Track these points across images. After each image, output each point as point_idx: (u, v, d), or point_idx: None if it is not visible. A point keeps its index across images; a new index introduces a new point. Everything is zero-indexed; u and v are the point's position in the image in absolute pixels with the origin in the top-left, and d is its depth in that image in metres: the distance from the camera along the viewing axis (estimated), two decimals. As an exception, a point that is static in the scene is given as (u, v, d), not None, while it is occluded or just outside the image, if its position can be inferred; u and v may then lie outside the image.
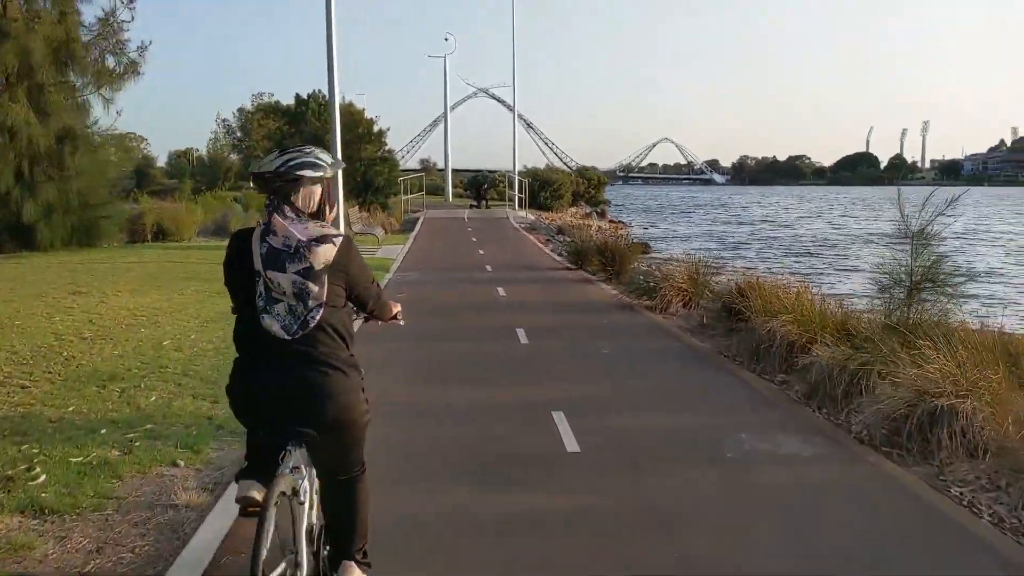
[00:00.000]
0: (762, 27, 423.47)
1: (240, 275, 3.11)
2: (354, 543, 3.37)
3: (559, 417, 6.66)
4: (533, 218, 35.07)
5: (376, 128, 42.32)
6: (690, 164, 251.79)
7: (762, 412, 7.22)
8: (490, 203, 41.77)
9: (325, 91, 44.95)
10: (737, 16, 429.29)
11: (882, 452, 6.05)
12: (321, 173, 3.14)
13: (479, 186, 43.98)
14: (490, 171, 75.47)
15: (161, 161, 75.88)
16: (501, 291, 14.64)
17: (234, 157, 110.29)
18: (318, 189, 3.18)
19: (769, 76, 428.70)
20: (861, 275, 23.79)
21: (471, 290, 15.13)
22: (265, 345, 3.05)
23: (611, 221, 47.57)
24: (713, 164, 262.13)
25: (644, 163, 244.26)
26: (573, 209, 49.32)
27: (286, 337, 3.03)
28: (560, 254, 20.79)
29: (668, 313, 12.42)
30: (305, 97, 48.59)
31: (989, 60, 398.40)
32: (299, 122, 46.85)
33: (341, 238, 3.15)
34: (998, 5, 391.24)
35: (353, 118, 42.00)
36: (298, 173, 3.09)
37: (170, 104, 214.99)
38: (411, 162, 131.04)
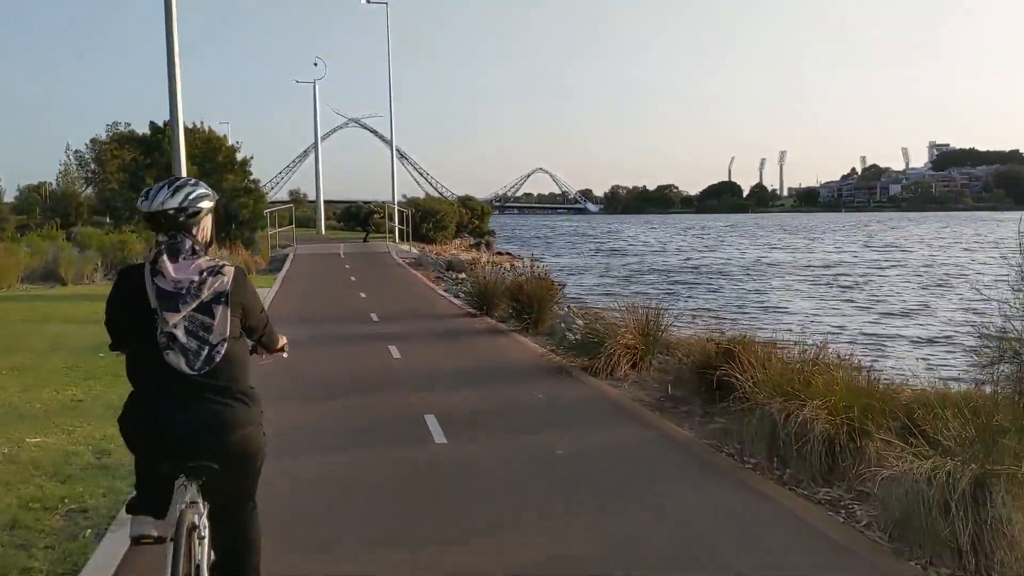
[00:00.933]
0: (630, 64, 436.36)
1: (136, 314, 3.06)
2: None
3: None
4: (417, 252, 31.96)
5: (239, 156, 38.38)
6: (564, 194, 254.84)
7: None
8: (369, 236, 38.37)
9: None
10: (606, 52, 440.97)
11: None
12: (212, 203, 3.21)
13: (367, 217, 40.95)
14: (365, 202, 72.12)
15: (9, 196, 68.92)
16: (395, 351, 11.43)
17: (89, 191, 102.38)
18: (210, 220, 3.24)
19: (637, 107, 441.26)
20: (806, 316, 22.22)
21: (355, 352, 11.72)
22: (166, 379, 3.02)
23: (498, 253, 44.99)
24: (586, 193, 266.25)
25: (519, 193, 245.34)
26: (457, 241, 46.48)
27: (190, 372, 3.01)
28: (457, 296, 17.87)
29: (615, 378, 9.56)
30: (161, 125, 44.02)
31: (840, 92, 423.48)
32: (154, 151, 42.30)
33: (233, 268, 3.16)
34: (844, 42, 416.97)
35: (212, 145, 37.98)
36: (199, 206, 3.13)
37: (13, 135, 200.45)
38: (281, 194, 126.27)
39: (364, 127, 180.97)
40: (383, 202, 70.80)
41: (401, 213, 38.36)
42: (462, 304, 16.37)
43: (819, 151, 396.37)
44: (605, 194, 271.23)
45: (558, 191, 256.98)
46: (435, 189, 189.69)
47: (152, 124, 43.92)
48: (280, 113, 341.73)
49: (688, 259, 45.29)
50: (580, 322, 12.04)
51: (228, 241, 35.55)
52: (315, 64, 54.99)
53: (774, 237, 72.59)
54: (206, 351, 3.02)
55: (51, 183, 76.03)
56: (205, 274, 3.04)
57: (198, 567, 3.03)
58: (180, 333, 2.99)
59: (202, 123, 38.98)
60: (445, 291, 19.41)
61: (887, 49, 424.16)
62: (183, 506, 2.99)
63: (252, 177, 38.86)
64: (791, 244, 62.33)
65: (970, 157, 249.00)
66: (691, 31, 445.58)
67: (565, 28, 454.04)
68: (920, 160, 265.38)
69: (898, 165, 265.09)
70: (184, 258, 3.05)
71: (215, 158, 37.18)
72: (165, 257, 3.03)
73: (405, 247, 34.19)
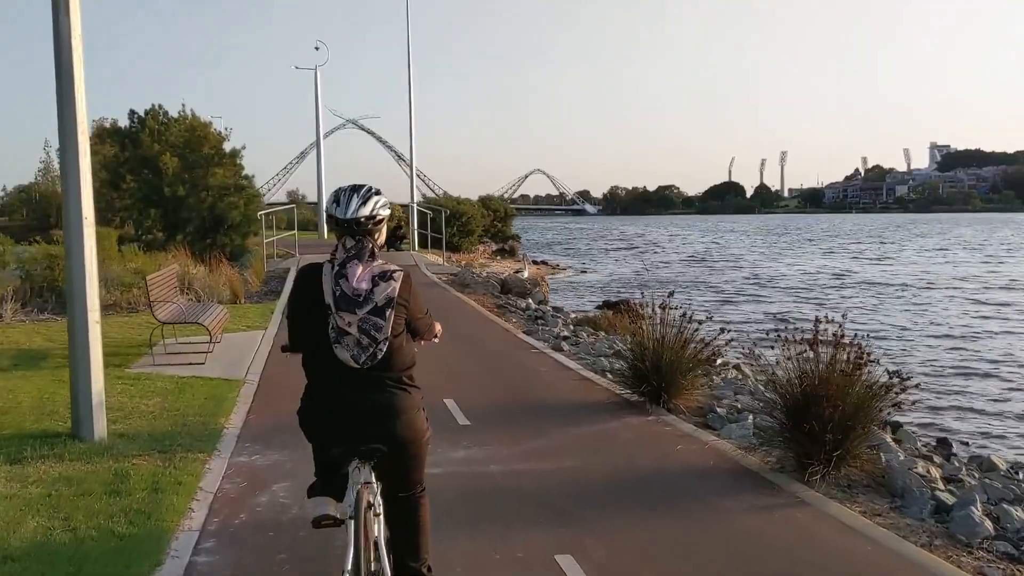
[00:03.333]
0: (626, 64, 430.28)
1: (311, 308, 3.34)
2: (419, 558, 3.57)
3: None
4: (451, 265, 25.48)
5: (228, 146, 31.83)
6: (562, 195, 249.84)
7: None
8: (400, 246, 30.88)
9: (167, 105, 34.46)
10: (602, 53, 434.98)
11: None
12: (390, 209, 3.51)
13: (395, 231, 31.99)
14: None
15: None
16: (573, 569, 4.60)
17: None
18: (386, 225, 3.50)
19: (634, 108, 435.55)
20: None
21: None
22: (337, 371, 3.32)
23: (535, 262, 38.62)
24: (584, 195, 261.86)
25: (516, 194, 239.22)
26: (480, 247, 40.11)
27: (356, 366, 3.30)
28: (559, 348, 11.57)
29: None
30: (142, 114, 37.24)
31: (840, 92, 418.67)
32: (133, 143, 35.65)
33: (402, 274, 3.42)
34: (843, 42, 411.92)
35: (196, 134, 31.52)
36: (384, 213, 3.43)
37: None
38: (278, 195, 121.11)
39: (361, 128, 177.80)
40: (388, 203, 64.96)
41: (422, 215, 31.83)
42: (587, 372, 10.00)
43: (819, 152, 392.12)
44: (604, 195, 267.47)
45: (555, 192, 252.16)
46: (432, 191, 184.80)
47: (131, 113, 37.09)
48: (279, 114, 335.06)
49: (768, 271, 37.96)
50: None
51: (211, 250, 29.08)
52: (316, 48, 48.16)
53: (832, 243, 64.45)
54: (371, 348, 3.29)
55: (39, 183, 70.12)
56: (379, 279, 3.31)
57: (375, 542, 3.28)
58: (354, 331, 3.26)
59: (184, 107, 32.36)
60: (530, 335, 12.91)
61: (887, 50, 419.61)
62: (359, 486, 3.24)
63: (244, 172, 32.28)
64: (864, 252, 54.26)
65: (975, 158, 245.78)
66: (689, 31, 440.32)
67: (562, 28, 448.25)
68: (921, 161, 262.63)
69: (900, 166, 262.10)
70: (366, 261, 3.34)
71: (199, 148, 30.68)
72: (356, 261, 3.32)
73: (432, 257, 27.70)
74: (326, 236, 47.17)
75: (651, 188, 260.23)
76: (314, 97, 48.76)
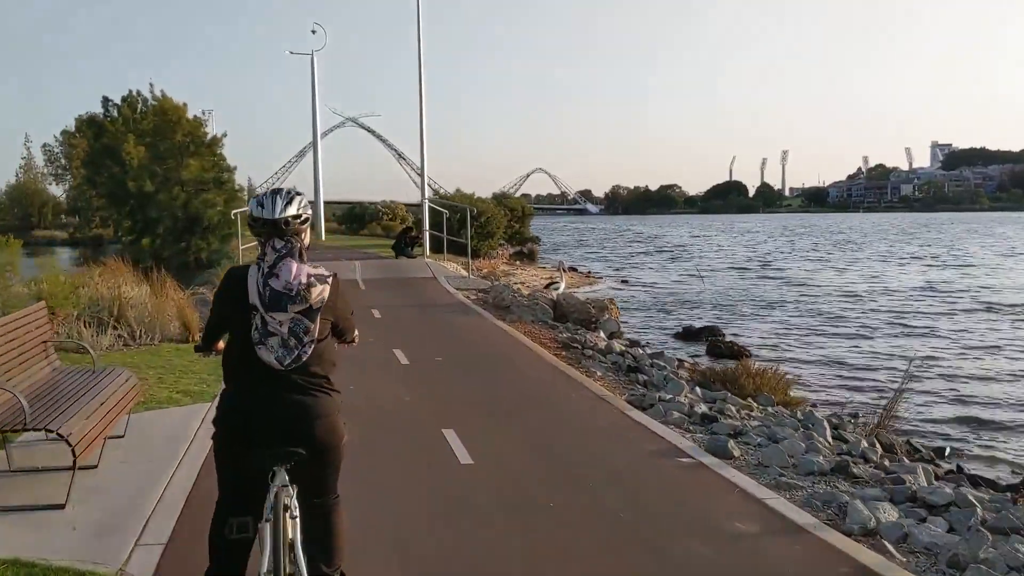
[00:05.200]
0: (628, 64, 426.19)
1: (236, 309, 3.27)
2: (333, 564, 3.50)
3: None
4: (478, 277, 20.60)
5: (207, 134, 26.91)
6: (564, 194, 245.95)
7: None
8: (411, 251, 25.46)
9: (146, 91, 29.40)
10: (604, 52, 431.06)
11: None
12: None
13: (403, 234, 26.55)
14: (371, 202, 60.62)
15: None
16: None
17: (57, 190, 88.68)
18: (309, 230, 3.46)
19: (635, 107, 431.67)
20: None
21: None
22: (258, 373, 3.24)
23: (570, 269, 33.71)
24: (586, 194, 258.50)
25: (518, 193, 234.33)
26: (498, 251, 35.30)
27: (279, 368, 3.23)
28: (780, 480, 6.07)
29: None
30: (119, 101, 32.14)
31: (839, 91, 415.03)
32: (106, 131, 30.65)
33: (332, 277, 3.36)
34: (844, 42, 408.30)
35: (168, 118, 26.62)
36: (309, 212, 3.39)
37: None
38: None
39: (361, 126, 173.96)
40: (390, 202, 59.76)
41: (435, 215, 26.95)
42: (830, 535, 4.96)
43: (819, 150, 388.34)
44: (606, 194, 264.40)
45: (557, 191, 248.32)
46: (434, 192, 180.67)
47: (105, 100, 31.93)
48: (277, 112, 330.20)
49: (838, 282, 31.26)
50: None
51: (184, 256, 24.12)
52: (313, 32, 43.32)
53: (877, 247, 57.15)
54: (296, 349, 3.22)
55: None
56: (313, 279, 3.25)
57: (292, 544, 3.18)
58: (284, 331, 3.21)
59: (151, 86, 27.37)
60: (646, 414, 7.76)
61: (886, 49, 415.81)
62: (276, 488, 3.19)
63: (225, 163, 27.36)
64: (924, 256, 47.03)
65: (980, 157, 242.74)
66: (691, 32, 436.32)
67: (563, 28, 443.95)
68: (922, 160, 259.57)
69: (901, 165, 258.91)
70: (300, 261, 3.29)
71: (171, 135, 25.84)
72: (289, 259, 3.26)
73: (451, 266, 22.83)
74: (323, 237, 42.46)
75: (653, 188, 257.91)
76: (311, 86, 43.90)
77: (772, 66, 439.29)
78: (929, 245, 59.42)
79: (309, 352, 3.25)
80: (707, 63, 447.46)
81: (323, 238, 41.80)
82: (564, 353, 11.01)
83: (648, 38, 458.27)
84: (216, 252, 25.79)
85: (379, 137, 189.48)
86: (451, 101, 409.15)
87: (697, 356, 14.48)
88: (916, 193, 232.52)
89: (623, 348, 11.42)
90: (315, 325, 3.25)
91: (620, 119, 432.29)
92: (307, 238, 3.40)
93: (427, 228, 27.79)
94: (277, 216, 3.26)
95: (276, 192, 3.35)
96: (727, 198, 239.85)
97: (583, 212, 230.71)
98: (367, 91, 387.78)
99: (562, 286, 21.62)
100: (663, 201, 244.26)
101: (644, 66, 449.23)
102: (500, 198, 41.53)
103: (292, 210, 3.28)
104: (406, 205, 60.65)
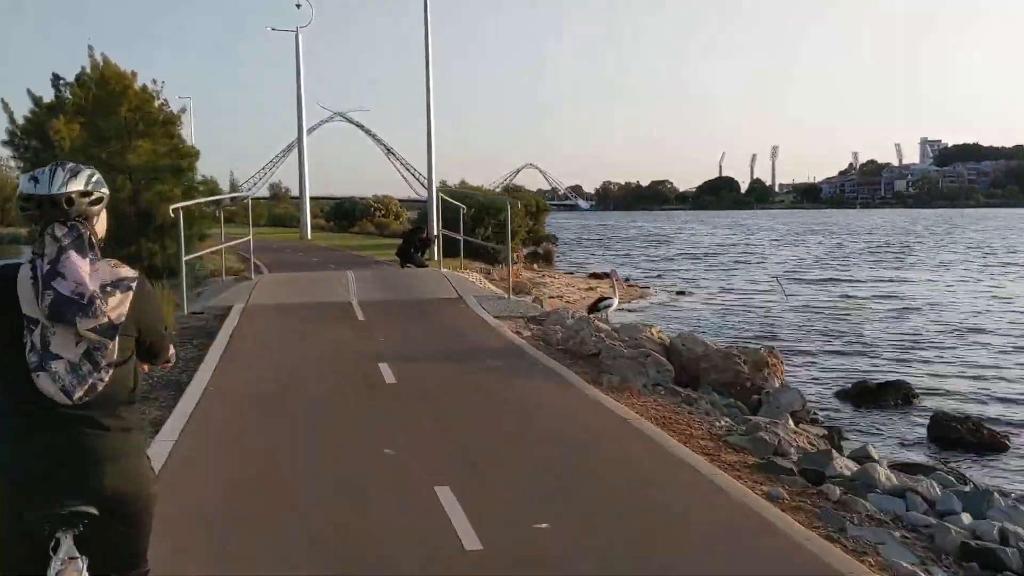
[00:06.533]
0: (617, 59, 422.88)
1: (2, 324, 2.41)
2: None
3: None
4: (517, 296, 15.25)
5: (161, 109, 21.50)
6: (554, 190, 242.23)
7: None
8: (421, 258, 19.82)
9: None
10: (593, 47, 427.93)
11: None
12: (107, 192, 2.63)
13: (410, 235, 21.17)
14: (361, 197, 55.44)
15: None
16: None
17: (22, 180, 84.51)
18: (105, 214, 2.65)
19: (626, 103, 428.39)
20: None
21: None
22: (36, 408, 2.40)
23: (596, 275, 28.49)
24: (577, 189, 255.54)
25: (474, 192, 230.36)
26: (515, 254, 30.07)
27: (66, 401, 2.40)
28: None
29: None
30: (73, 79, 26.46)
31: (829, 89, 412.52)
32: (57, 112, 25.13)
33: (136, 280, 2.53)
34: (833, 38, 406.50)
35: (111, 89, 21.20)
36: (103, 191, 2.58)
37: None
38: (262, 192, 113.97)
39: (350, 121, 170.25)
40: (383, 196, 54.52)
41: (451, 210, 21.61)
42: None
43: (809, 146, 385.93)
44: (596, 190, 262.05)
45: (547, 187, 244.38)
46: (425, 188, 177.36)
47: (55, 78, 26.15)
48: (263, 107, 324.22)
49: (921, 293, 26.06)
50: None
51: (135, 265, 19.12)
52: (297, 6, 38.21)
53: (927, 248, 51.01)
54: (92, 377, 2.41)
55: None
56: (112, 286, 2.45)
57: None
58: (71, 353, 2.39)
59: (91, 49, 21.72)
60: None
61: (876, 44, 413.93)
62: (60, 565, 2.39)
63: (185, 147, 21.90)
64: (973, 260, 41.14)
65: (973, 152, 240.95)
66: (680, 26, 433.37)
67: (552, 22, 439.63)
68: (912, 156, 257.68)
69: (892, 161, 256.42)
70: (89, 254, 2.46)
71: (115, 110, 20.50)
72: (73, 253, 2.43)
73: (474, 277, 17.58)
74: (309, 235, 37.20)
75: (644, 183, 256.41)
76: (295, 67, 38.55)
77: (760, 62, 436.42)
78: (979, 246, 53.33)
79: (105, 380, 2.43)
80: (696, 58, 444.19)
81: (309, 236, 36.64)
82: (768, 484, 5.71)
83: (636, 34, 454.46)
84: (175, 257, 20.51)
85: (368, 132, 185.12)
86: (438, 94, 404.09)
87: (915, 445, 9.22)
88: (910, 189, 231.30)
89: (906, 487, 5.86)
90: (114, 344, 2.43)
91: (610, 114, 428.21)
92: (101, 225, 2.59)
93: (436, 227, 22.58)
94: (56, 191, 2.44)
95: (60, 164, 2.52)
96: (719, 194, 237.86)
97: (574, 208, 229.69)
98: (353, 85, 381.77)
99: (615, 303, 16.41)
100: (654, 197, 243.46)
101: (634, 61, 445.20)
102: (511, 191, 36.27)
103: (77, 185, 2.47)
104: (401, 201, 55.43)
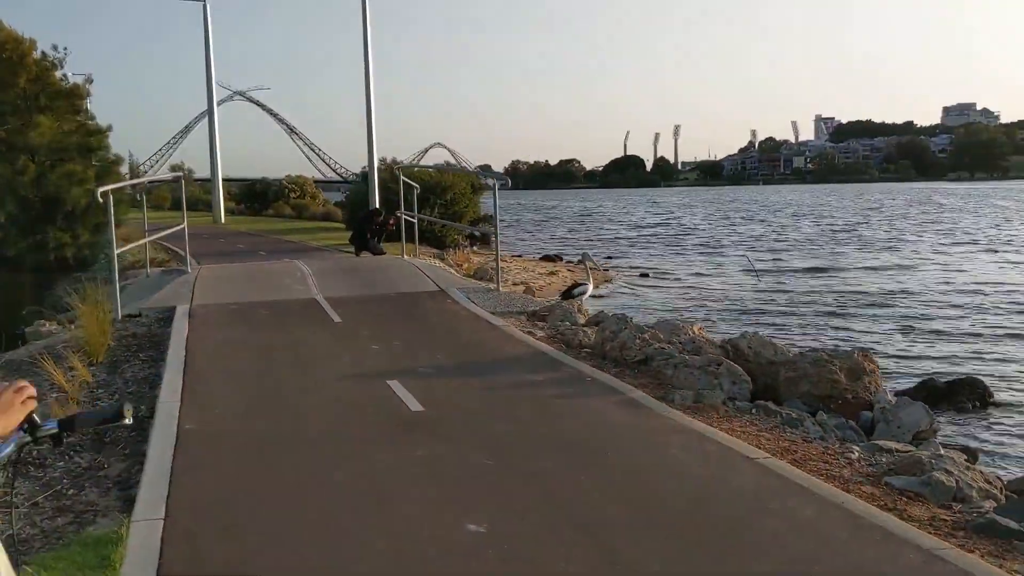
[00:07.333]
0: (523, 38, 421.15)
1: None
2: None
3: None
4: (509, 290, 13.46)
5: (64, 80, 18.78)
6: (463, 169, 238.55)
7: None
8: (376, 247, 17.43)
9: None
10: (500, 26, 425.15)
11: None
12: None
13: (368, 217, 18.43)
14: (274, 179, 52.41)
15: None
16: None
17: None
18: None
19: (533, 82, 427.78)
20: None
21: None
22: None
23: (588, 265, 27.02)
24: (486, 169, 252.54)
25: (416, 168, 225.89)
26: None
27: None
28: None
29: None
30: None
31: (727, 68, 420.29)
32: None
33: None
34: (725, 17, 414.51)
35: (5, 56, 18.22)
36: None
37: None
38: (160, 172, 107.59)
39: (251, 100, 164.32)
40: (296, 176, 51.60)
41: (405, 185, 19.54)
42: None
43: (709, 125, 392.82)
44: (505, 169, 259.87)
45: (457, 166, 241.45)
46: (332, 169, 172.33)
47: None
48: (161, 84, 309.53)
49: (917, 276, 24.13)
50: None
51: (40, 255, 16.04)
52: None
53: (852, 221, 50.66)
54: None
55: None
56: None
57: None
58: None
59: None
60: None
61: (771, 24, 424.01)
62: None
63: (93, 124, 19.25)
64: (943, 237, 38.85)
65: (868, 129, 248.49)
66: (582, 7, 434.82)
67: (472, 12, 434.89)
68: (808, 133, 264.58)
69: (789, 138, 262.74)
70: None
71: (11, 82, 17.67)
72: None
73: (436, 264, 15.74)
74: (223, 219, 34.43)
75: (552, 162, 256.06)
76: (204, 39, 35.40)
77: (659, 41, 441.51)
78: (933, 223, 51.09)
79: None
80: (600, 38, 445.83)
81: (223, 220, 33.84)
82: (1007, 559, 4.25)
83: (539, 12, 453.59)
84: (89, 247, 18.02)
85: (270, 111, 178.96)
86: (338, 72, 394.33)
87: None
88: (808, 165, 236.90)
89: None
90: None
91: (517, 93, 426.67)
92: None
93: (403, 211, 20.49)
94: None
95: None
96: (626, 172, 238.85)
97: (485, 188, 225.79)
98: (252, 63, 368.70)
99: (589, 288, 14.92)
100: (563, 176, 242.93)
101: (537, 41, 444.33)
102: (443, 170, 34.21)
103: None
104: (316, 182, 52.65)
